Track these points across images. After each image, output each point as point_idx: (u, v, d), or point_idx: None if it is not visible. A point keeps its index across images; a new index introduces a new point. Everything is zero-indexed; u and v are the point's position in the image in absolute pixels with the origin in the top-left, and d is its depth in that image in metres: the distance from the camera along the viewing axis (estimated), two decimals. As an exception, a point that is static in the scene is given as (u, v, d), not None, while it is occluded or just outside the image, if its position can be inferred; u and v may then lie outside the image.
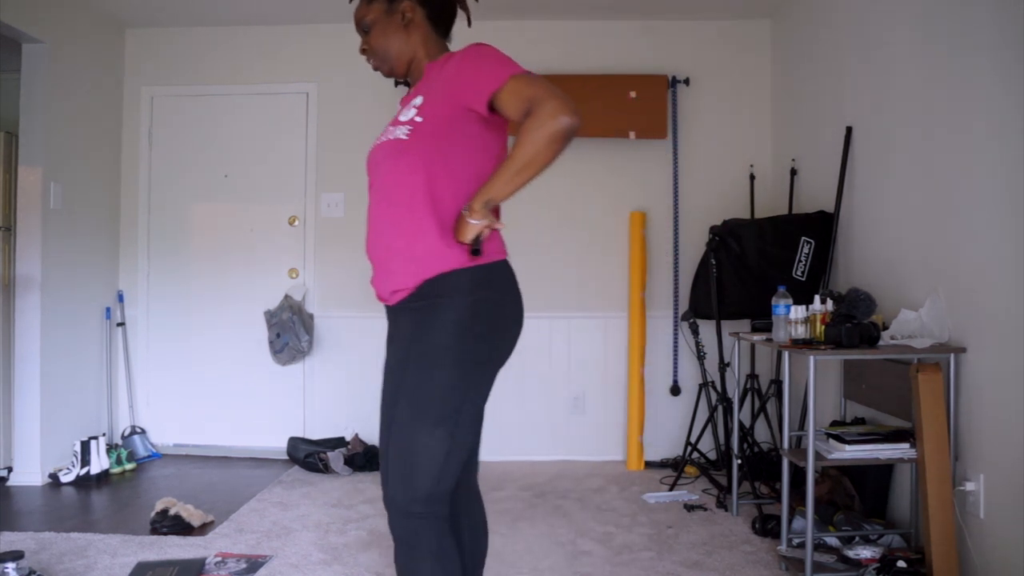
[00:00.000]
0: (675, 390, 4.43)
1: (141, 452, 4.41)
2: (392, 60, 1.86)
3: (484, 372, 1.72)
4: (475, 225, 1.61)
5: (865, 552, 2.64)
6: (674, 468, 4.08)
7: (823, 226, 3.48)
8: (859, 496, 3.01)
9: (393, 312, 1.81)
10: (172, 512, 3.17)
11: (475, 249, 1.64)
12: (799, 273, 3.46)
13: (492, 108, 1.66)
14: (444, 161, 1.68)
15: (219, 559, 2.84)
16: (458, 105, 1.68)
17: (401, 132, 1.72)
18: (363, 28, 1.86)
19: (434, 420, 1.64)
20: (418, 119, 1.70)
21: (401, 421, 1.67)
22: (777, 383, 3.78)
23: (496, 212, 1.67)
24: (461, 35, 1.97)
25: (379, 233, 1.76)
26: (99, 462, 3.98)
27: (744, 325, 3.70)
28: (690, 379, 4.36)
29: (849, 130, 3.36)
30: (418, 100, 1.73)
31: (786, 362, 2.89)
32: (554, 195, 4.45)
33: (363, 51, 1.88)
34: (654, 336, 4.42)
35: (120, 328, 4.57)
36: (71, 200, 4.13)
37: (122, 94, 4.64)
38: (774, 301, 2.83)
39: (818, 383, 2.92)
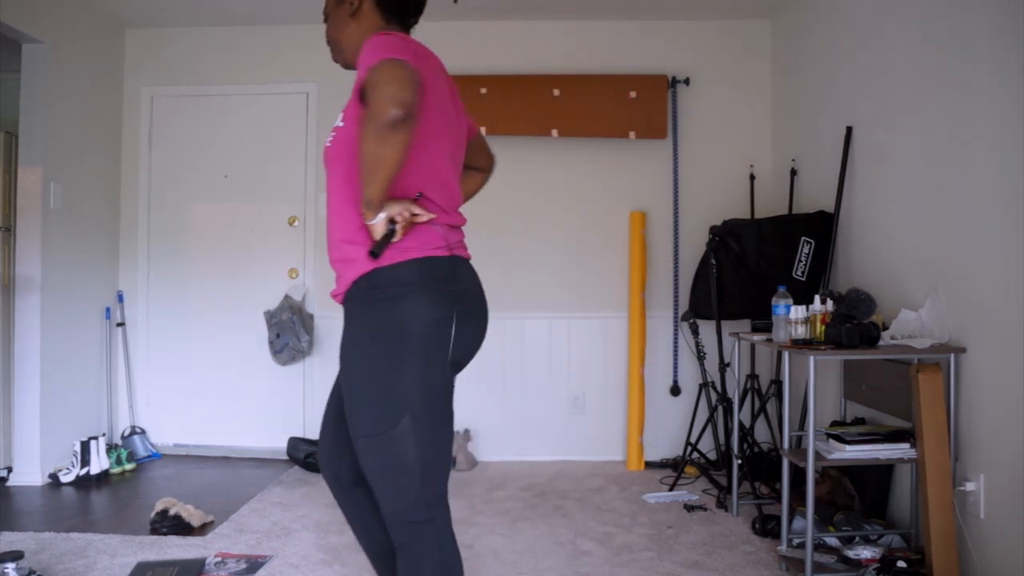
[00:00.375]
0: (675, 390, 4.43)
1: (141, 452, 4.41)
2: (344, 51, 1.83)
3: (407, 370, 1.63)
4: (373, 225, 1.59)
5: (865, 552, 2.64)
6: (674, 468, 4.08)
7: (823, 226, 3.48)
8: (859, 496, 3.01)
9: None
10: (172, 512, 3.17)
11: (374, 252, 1.62)
12: (799, 273, 3.46)
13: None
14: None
15: (219, 559, 2.84)
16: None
17: (328, 139, 1.74)
18: (324, 19, 1.86)
19: (378, 425, 1.63)
20: (340, 124, 1.71)
21: (354, 436, 1.69)
22: (777, 383, 3.78)
23: (427, 204, 1.66)
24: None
25: (328, 238, 1.78)
26: (99, 462, 3.98)
27: (744, 325, 3.70)
28: (690, 379, 4.36)
29: (849, 130, 3.36)
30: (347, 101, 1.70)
31: (786, 362, 2.89)
32: (554, 195, 4.45)
33: (327, 43, 1.87)
34: (654, 336, 4.42)
35: (120, 328, 4.57)
36: (71, 200, 4.13)
37: (122, 94, 4.64)
38: (774, 301, 2.83)
39: (818, 383, 2.92)
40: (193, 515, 3.19)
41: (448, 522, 1.74)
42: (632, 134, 4.37)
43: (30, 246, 3.92)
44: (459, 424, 4.12)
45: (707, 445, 4.00)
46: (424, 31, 5.07)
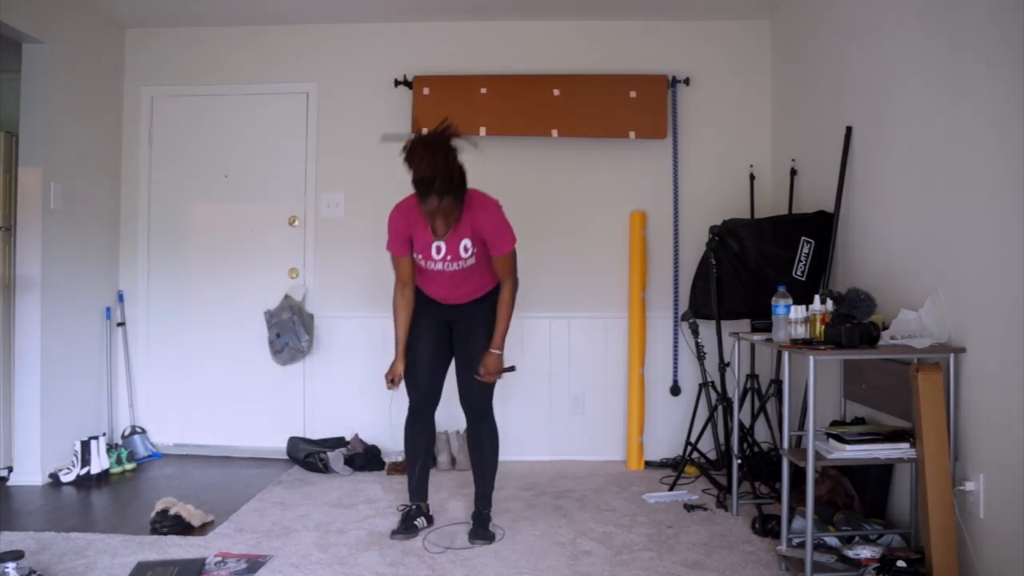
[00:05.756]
0: (675, 390, 4.43)
1: (141, 452, 4.41)
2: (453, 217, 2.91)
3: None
4: (500, 356, 3.05)
5: (865, 552, 2.64)
6: (674, 468, 4.08)
7: (823, 226, 3.48)
8: (859, 496, 3.01)
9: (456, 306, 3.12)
10: (172, 512, 3.17)
11: (508, 370, 3.11)
12: (799, 273, 3.46)
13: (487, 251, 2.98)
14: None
15: (219, 559, 2.84)
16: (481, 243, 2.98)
17: (467, 257, 2.96)
18: (442, 211, 2.82)
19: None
20: (470, 247, 2.96)
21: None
22: (777, 383, 3.77)
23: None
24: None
25: (466, 284, 3.06)
26: (99, 462, 3.98)
27: (744, 325, 3.69)
28: (690, 379, 4.36)
29: (849, 130, 3.36)
30: (466, 241, 2.94)
31: (786, 362, 2.90)
32: (554, 195, 4.45)
33: (442, 214, 2.84)
34: (654, 336, 4.42)
35: (120, 328, 4.57)
36: (71, 200, 4.13)
37: (122, 94, 4.64)
38: (774, 301, 2.83)
39: (818, 383, 2.92)
40: (193, 515, 3.19)
41: None
42: (632, 134, 4.37)
43: (30, 246, 3.92)
44: (459, 424, 4.13)
45: (707, 445, 4.00)
46: (425, 31, 5.10)
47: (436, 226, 2.91)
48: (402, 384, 3.13)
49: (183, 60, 4.63)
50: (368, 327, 4.47)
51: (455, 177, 2.76)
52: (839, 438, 2.58)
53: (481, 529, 3.07)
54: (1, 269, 4.02)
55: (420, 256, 2.99)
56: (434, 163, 2.70)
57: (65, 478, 3.90)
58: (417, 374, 3.10)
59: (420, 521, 3.16)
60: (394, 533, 3.10)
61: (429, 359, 3.11)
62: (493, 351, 3.01)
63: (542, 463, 4.35)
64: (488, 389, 3.09)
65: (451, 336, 3.14)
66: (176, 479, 4.02)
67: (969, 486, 2.45)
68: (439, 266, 2.97)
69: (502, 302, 3.01)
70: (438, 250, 2.94)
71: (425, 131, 2.86)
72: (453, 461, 4.22)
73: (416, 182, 2.73)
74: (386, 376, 3.10)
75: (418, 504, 3.19)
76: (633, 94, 4.35)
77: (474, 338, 3.05)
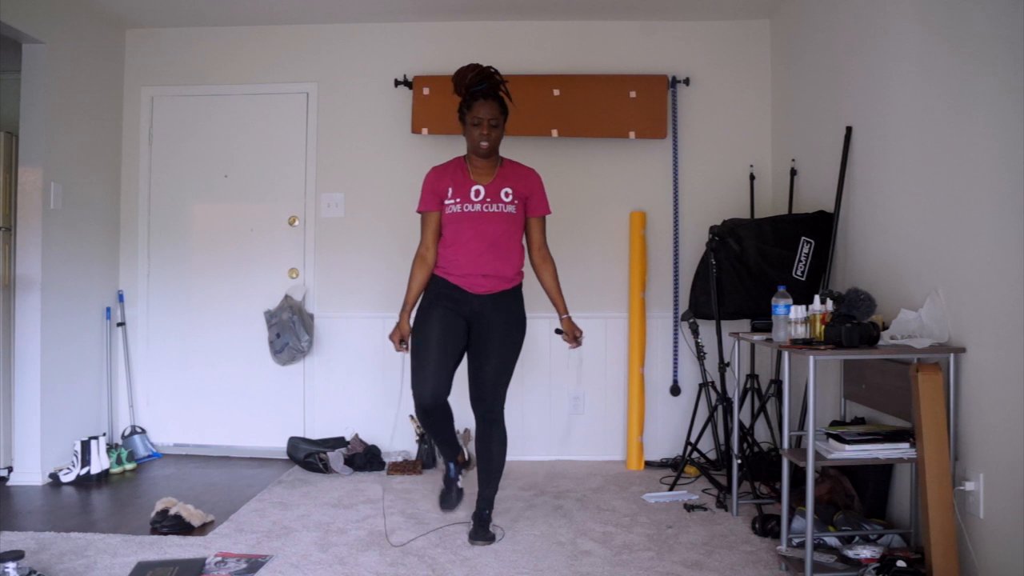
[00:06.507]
0: (675, 390, 4.43)
1: (141, 452, 4.41)
2: (496, 147, 3.04)
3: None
4: (573, 321, 3.22)
5: (865, 552, 2.64)
6: (674, 468, 4.08)
7: (823, 226, 3.48)
8: (859, 496, 3.01)
9: (486, 296, 3.04)
10: (172, 512, 3.17)
11: (576, 339, 3.19)
12: (799, 273, 3.46)
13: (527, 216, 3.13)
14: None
15: (219, 559, 2.84)
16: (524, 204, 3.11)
17: (509, 205, 3.02)
18: (492, 124, 2.96)
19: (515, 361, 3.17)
20: (510, 201, 3.03)
21: (507, 365, 3.05)
22: (777, 383, 3.77)
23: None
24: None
25: (502, 259, 3.03)
26: (99, 462, 3.99)
27: (744, 325, 3.70)
28: (690, 379, 4.37)
29: (849, 130, 3.36)
30: (507, 188, 3.04)
31: (786, 362, 2.90)
32: (554, 195, 4.41)
33: (493, 142, 2.99)
34: (654, 336, 4.42)
35: (120, 328, 4.57)
36: (71, 200, 4.13)
37: (122, 94, 4.64)
38: (774, 301, 2.83)
39: (818, 383, 2.93)
40: (193, 515, 3.19)
41: None
42: (632, 134, 4.37)
43: (30, 246, 3.92)
44: (459, 424, 4.13)
45: (707, 445, 4.00)
46: (425, 31, 5.09)
47: (479, 148, 2.95)
48: (406, 378, 3.09)
49: (183, 60, 4.63)
50: (368, 327, 4.47)
51: (499, 85, 2.98)
52: (839, 438, 2.58)
53: (482, 530, 3.06)
54: (1, 269, 4.02)
55: (458, 201, 2.97)
56: (481, 71, 2.96)
57: (65, 478, 3.90)
58: (426, 370, 2.94)
59: (461, 476, 3.30)
60: (444, 503, 3.27)
61: (439, 356, 2.95)
62: (570, 317, 3.17)
63: (542, 463, 4.36)
64: (503, 392, 3.05)
65: (466, 331, 3.03)
66: (176, 479, 4.02)
67: (969, 486, 2.45)
68: (477, 207, 2.96)
69: (552, 276, 3.15)
70: (477, 193, 2.97)
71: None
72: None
73: (465, 88, 2.95)
74: (391, 337, 3.03)
75: (453, 461, 3.28)
76: (633, 94, 4.36)
77: (492, 344, 3.01)
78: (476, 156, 3.00)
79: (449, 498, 3.26)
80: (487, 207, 2.97)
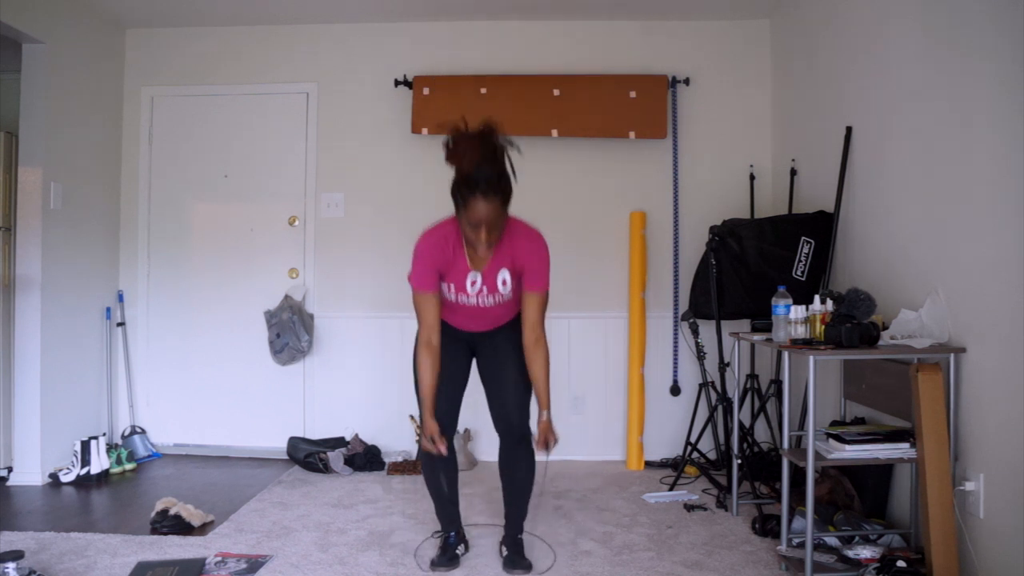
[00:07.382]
0: (675, 390, 4.43)
1: (141, 452, 4.41)
2: (499, 232, 2.55)
3: None
4: (550, 423, 2.79)
5: (865, 552, 2.64)
6: (674, 468, 4.08)
7: (823, 226, 3.48)
8: (859, 496, 3.01)
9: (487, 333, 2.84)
10: (172, 512, 3.17)
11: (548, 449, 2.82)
12: (799, 273, 3.46)
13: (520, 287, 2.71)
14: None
15: (219, 559, 2.84)
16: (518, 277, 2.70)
17: (503, 291, 2.68)
18: (488, 218, 2.46)
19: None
20: (506, 279, 2.66)
21: (520, 388, 2.83)
22: (777, 383, 3.77)
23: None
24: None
25: (494, 315, 2.76)
26: (99, 462, 3.98)
27: (744, 325, 3.70)
28: (690, 379, 4.36)
29: (849, 130, 3.36)
30: (505, 273, 2.65)
31: (786, 362, 2.89)
32: (554, 195, 4.45)
33: (490, 227, 2.48)
34: (654, 336, 4.42)
35: (120, 328, 4.57)
36: (71, 200, 4.13)
37: (122, 94, 4.64)
38: (774, 301, 2.83)
39: (818, 383, 2.92)
40: (193, 515, 3.19)
41: None
42: (632, 134, 4.37)
43: (30, 246, 3.92)
44: (460, 424, 4.12)
45: (707, 445, 4.00)
46: (425, 31, 5.09)
47: (477, 245, 2.51)
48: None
49: (183, 60, 4.63)
50: (368, 327, 4.47)
51: (504, 174, 2.45)
52: (839, 438, 2.58)
53: (518, 557, 2.79)
54: (1, 269, 4.02)
55: (452, 288, 2.63)
56: (483, 154, 2.38)
57: (65, 478, 3.90)
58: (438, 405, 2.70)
59: (460, 548, 2.89)
60: (435, 565, 2.78)
61: (446, 384, 2.73)
62: (550, 419, 2.74)
63: (542, 463, 4.34)
64: (527, 400, 2.79)
65: (470, 357, 2.86)
66: (176, 479, 4.02)
67: (969, 486, 2.45)
68: (472, 300, 2.65)
69: (543, 366, 2.70)
70: (473, 283, 2.62)
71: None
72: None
73: (462, 179, 2.40)
74: (424, 440, 2.62)
75: (454, 531, 2.90)
76: (633, 94, 4.36)
77: (504, 352, 2.78)
78: None
79: (442, 560, 2.81)
80: (483, 300, 2.66)
